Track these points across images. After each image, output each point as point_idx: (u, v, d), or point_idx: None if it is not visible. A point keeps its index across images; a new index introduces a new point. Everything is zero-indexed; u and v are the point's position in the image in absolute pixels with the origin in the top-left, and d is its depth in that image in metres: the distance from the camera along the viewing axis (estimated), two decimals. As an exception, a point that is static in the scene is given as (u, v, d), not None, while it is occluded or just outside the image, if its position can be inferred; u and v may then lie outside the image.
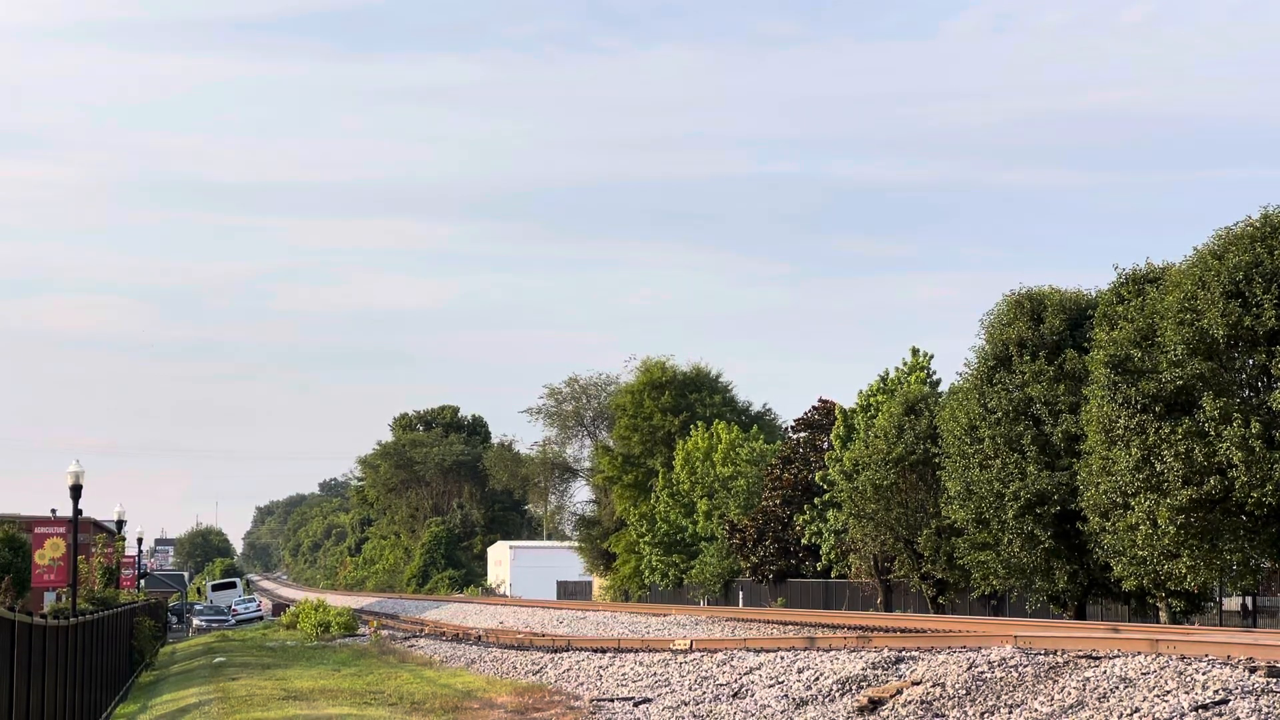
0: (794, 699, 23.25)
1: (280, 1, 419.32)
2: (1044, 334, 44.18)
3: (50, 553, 52.05)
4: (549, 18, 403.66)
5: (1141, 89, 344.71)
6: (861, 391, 66.49)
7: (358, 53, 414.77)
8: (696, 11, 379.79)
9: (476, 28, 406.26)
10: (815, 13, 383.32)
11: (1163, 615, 40.37)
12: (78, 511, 42.14)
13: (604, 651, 37.14)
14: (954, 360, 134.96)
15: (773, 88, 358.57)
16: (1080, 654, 19.93)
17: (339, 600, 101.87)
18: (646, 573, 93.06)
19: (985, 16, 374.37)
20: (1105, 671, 18.35)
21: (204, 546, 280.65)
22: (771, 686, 24.83)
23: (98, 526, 73.11)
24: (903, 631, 32.47)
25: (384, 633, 65.66)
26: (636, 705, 26.92)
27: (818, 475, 67.82)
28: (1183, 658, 18.25)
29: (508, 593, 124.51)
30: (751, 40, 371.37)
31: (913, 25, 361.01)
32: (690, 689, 27.03)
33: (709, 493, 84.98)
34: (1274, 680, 16.05)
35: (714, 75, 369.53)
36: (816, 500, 68.19)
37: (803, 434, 75.53)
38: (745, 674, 26.84)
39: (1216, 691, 16.11)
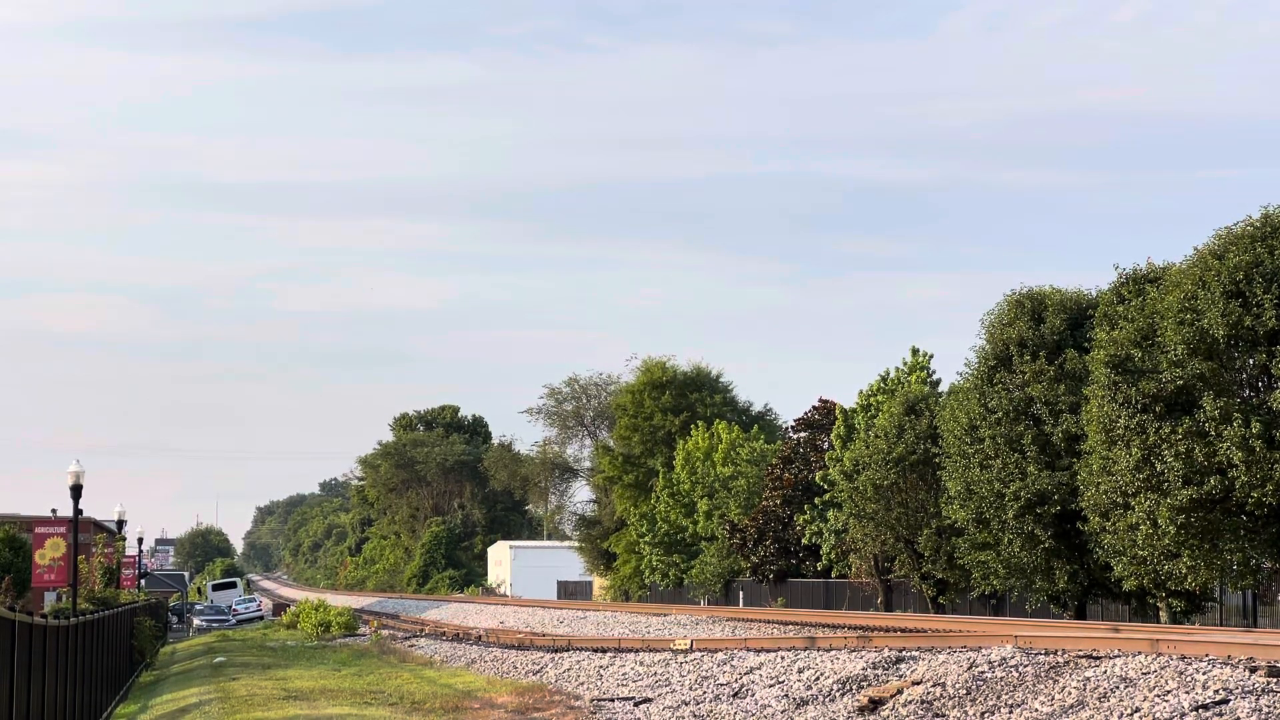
0: (794, 699, 23.25)
1: (278, 0, 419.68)
2: (1044, 334, 44.14)
3: (50, 552, 52.07)
4: (542, 17, 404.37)
5: (1138, 88, 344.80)
6: (862, 391, 66.51)
7: (353, 52, 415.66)
8: (690, 10, 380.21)
9: (470, 27, 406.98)
10: (810, 12, 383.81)
11: (1163, 615, 40.36)
12: (78, 511, 42.17)
13: (604, 651, 37.12)
14: (954, 360, 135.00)
15: (769, 87, 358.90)
16: (1080, 654, 19.92)
17: (339, 600, 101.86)
18: (647, 573, 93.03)
19: (980, 16, 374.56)
20: (1105, 671, 18.35)
21: (204, 546, 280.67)
22: (772, 686, 24.83)
23: (98, 526, 73.10)
24: (903, 631, 32.47)
25: (384, 632, 65.64)
26: (637, 705, 26.91)
27: (818, 475, 67.81)
28: (1183, 657, 18.24)
29: (508, 593, 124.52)
30: (746, 39, 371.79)
31: (909, 25, 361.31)
32: (691, 689, 27.03)
33: (709, 493, 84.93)
34: (1274, 680, 16.04)
35: (709, 75, 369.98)
36: (817, 500, 68.19)
37: (803, 434, 75.52)
38: (746, 674, 26.83)
39: (1217, 691, 16.10)
